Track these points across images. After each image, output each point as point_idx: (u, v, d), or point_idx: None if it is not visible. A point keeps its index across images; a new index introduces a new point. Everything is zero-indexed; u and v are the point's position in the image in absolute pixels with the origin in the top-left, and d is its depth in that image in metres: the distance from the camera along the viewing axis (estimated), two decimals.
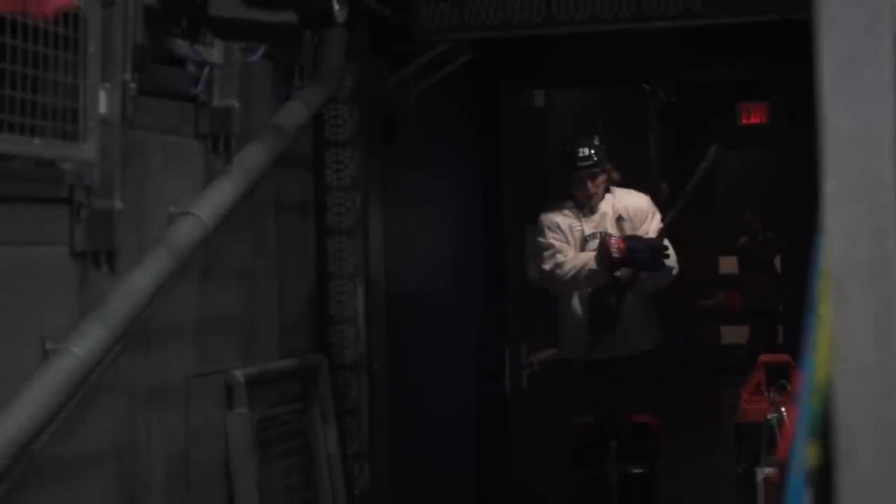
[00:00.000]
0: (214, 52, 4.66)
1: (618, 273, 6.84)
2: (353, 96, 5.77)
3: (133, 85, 4.09)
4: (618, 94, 11.69)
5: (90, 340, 3.91)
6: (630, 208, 7.02)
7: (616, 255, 6.67)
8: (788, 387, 5.95)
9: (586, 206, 6.99)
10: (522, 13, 5.83)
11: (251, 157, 4.93)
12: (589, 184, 6.90)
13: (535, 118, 9.55)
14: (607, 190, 7.00)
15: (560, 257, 6.96)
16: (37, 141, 3.66)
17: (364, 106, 5.86)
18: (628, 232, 6.87)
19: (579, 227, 7.01)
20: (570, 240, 6.99)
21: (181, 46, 4.50)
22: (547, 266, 6.99)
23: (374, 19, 5.74)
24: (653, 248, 6.75)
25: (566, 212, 7.04)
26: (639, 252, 6.69)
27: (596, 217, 7.00)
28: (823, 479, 2.02)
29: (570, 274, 6.90)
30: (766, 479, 5.04)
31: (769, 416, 5.60)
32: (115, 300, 4.08)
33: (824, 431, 1.97)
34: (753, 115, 14.42)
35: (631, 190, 7.17)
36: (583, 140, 7.00)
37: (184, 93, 4.65)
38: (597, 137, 7.05)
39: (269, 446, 5.08)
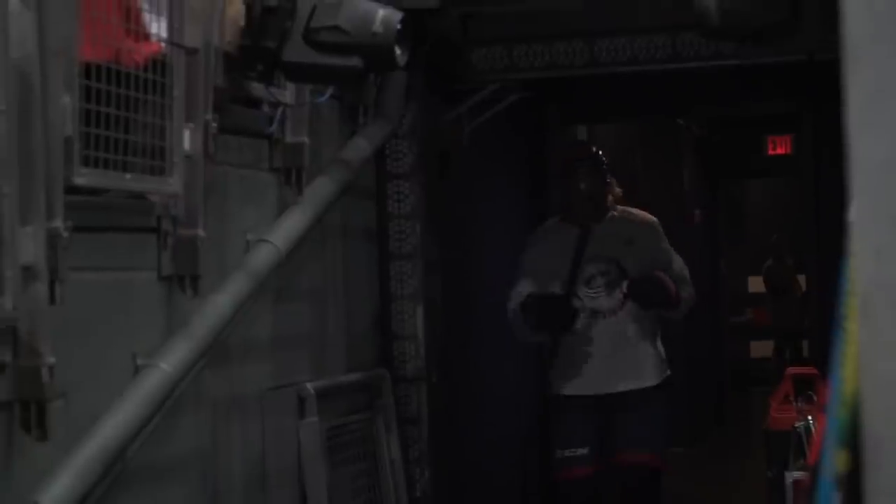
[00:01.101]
0: (287, 93, 4.68)
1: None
2: (411, 132, 5.79)
3: (214, 124, 4.12)
4: (654, 129, 11.67)
5: (176, 356, 3.93)
6: (637, 229, 5.96)
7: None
8: (814, 397, 5.88)
9: (584, 223, 5.84)
10: (567, 55, 5.82)
11: (320, 189, 4.96)
12: (584, 183, 5.78)
13: None
14: (610, 210, 5.91)
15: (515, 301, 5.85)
16: (128, 176, 3.68)
17: (422, 141, 5.87)
18: (637, 257, 5.80)
19: (574, 247, 5.84)
20: (558, 253, 5.83)
21: (257, 89, 4.53)
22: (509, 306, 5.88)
23: (431, 62, 5.76)
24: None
25: (563, 228, 5.94)
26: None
27: (595, 239, 5.84)
28: (852, 485, 2.00)
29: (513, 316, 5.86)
30: (796, 483, 4.99)
31: (797, 425, 5.54)
32: (199, 320, 4.10)
33: (852, 440, 1.95)
34: (779, 147, 14.33)
35: (635, 209, 6.14)
36: (579, 143, 6.30)
37: (259, 131, 4.67)
38: (595, 147, 6.17)
39: (338, 452, 5.08)
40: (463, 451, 6.42)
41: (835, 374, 2.19)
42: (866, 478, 1.39)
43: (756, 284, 16.04)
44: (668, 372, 6.00)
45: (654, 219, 6.06)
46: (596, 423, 5.83)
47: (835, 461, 2.07)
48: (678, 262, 5.94)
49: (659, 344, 5.96)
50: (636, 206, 6.27)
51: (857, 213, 1.38)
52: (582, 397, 5.82)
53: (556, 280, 5.80)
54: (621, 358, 5.81)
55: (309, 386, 4.86)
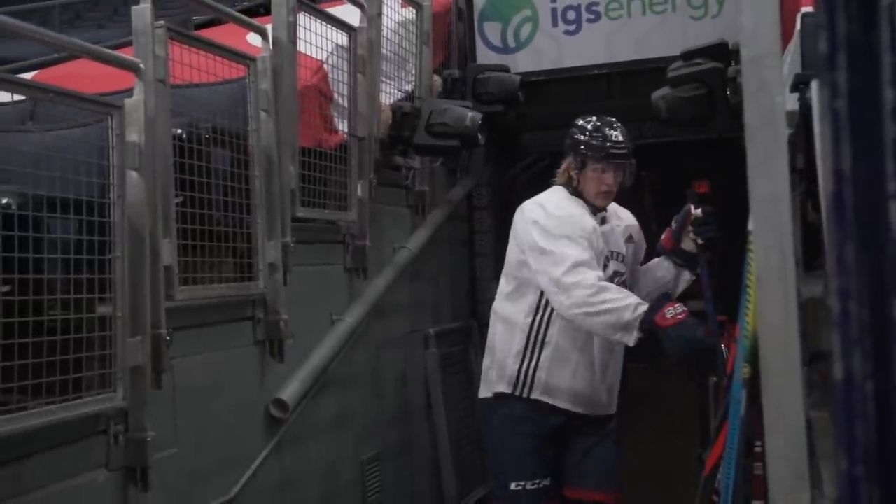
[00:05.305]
0: (415, 161, 4.71)
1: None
2: (487, 183, 5.78)
3: (374, 180, 4.16)
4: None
5: (355, 314, 3.97)
6: (634, 228, 3.48)
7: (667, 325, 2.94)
8: (726, 332, 5.75)
9: (596, 212, 3.23)
10: None
11: (435, 216, 4.97)
12: (613, 176, 3.22)
13: None
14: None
15: (606, 295, 2.94)
16: (327, 211, 3.74)
17: (494, 187, 5.87)
18: (633, 256, 3.39)
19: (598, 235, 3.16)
20: (594, 245, 3.10)
21: (398, 159, 4.56)
22: (571, 297, 2.97)
23: (498, 141, 5.75)
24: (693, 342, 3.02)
25: (579, 206, 3.17)
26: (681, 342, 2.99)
27: (606, 228, 3.27)
28: (752, 386, 1.99)
29: (603, 322, 2.95)
30: (716, 384, 4.88)
31: None
32: (367, 293, 4.14)
33: (753, 359, 1.93)
34: (702, 187, 14.10)
35: (622, 208, 3.51)
36: (616, 125, 3.32)
37: (400, 184, 4.70)
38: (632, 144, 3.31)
39: (447, 368, 5.07)
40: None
41: (741, 318, 2.17)
42: (761, 381, 1.38)
43: None
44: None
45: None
46: (558, 448, 3.22)
47: (742, 371, 2.06)
48: None
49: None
50: None
51: (754, 224, 1.38)
52: (563, 412, 3.18)
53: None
54: (612, 377, 3.24)
55: (430, 330, 4.86)
